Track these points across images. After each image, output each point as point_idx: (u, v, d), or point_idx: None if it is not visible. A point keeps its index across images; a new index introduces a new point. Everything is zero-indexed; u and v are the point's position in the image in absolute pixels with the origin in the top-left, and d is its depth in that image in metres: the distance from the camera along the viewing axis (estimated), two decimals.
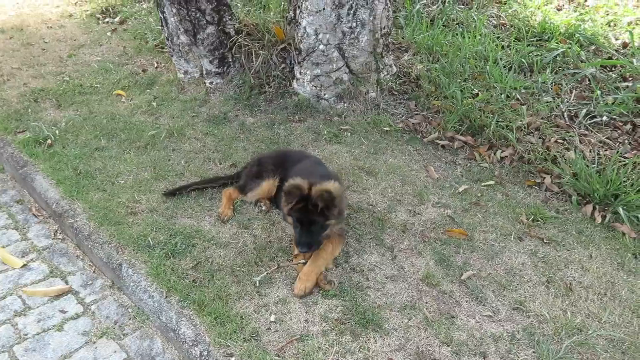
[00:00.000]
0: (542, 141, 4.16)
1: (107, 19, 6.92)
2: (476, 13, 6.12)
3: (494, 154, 4.14)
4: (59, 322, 2.83)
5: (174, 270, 2.87)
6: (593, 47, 5.44)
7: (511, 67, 5.05)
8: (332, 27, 4.43)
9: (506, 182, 3.87)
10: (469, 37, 5.49)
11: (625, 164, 3.74)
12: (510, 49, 5.39)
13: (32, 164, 3.85)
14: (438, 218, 3.40)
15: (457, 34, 5.64)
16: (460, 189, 3.72)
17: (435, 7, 6.37)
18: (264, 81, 4.91)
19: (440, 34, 5.60)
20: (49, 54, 5.84)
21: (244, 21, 5.11)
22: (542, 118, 4.38)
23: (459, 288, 2.86)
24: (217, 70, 5.00)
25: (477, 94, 4.63)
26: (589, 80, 4.85)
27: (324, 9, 4.36)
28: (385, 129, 4.46)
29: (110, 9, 7.10)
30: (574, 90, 4.77)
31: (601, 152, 3.98)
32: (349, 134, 4.38)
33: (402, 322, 2.63)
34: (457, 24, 6.03)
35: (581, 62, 5.11)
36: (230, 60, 5.02)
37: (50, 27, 6.69)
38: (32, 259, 3.27)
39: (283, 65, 4.90)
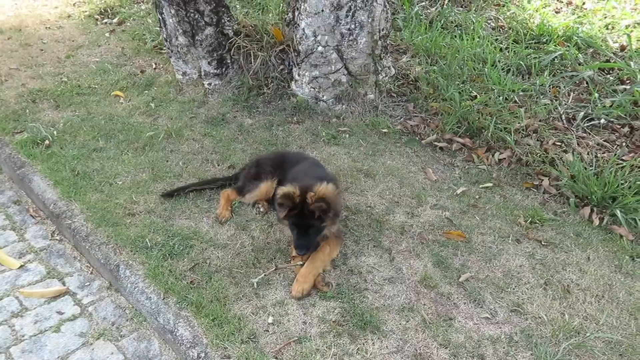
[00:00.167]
0: (540, 143, 4.17)
1: (105, 20, 6.91)
2: (474, 15, 6.13)
3: (492, 156, 4.14)
4: (56, 323, 2.82)
5: (172, 271, 2.87)
6: (591, 50, 5.45)
7: (509, 69, 5.06)
8: (331, 28, 4.43)
9: (504, 184, 3.88)
10: (467, 40, 5.50)
11: (622, 167, 3.75)
12: (508, 52, 5.40)
13: (30, 165, 3.84)
14: (436, 220, 3.40)
15: (455, 36, 5.66)
16: (458, 191, 3.73)
17: (433, 9, 6.38)
18: (263, 82, 4.91)
19: (439, 36, 5.61)
20: (47, 55, 5.83)
21: (242, 22, 5.11)
22: (540, 120, 4.39)
23: (456, 290, 2.86)
24: (215, 71, 5.00)
25: (476, 96, 4.63)
26: (587, 83, 4.86)
27: (322, 10, 4.37)
28: (384, 130, 4.46)
29: (109, 10, 7.10)
30: (571, 93, 4.78)
31: (599, 155, 3.99)
32: (347, 135, 4.39)
33: (400, 324, 2.63)
34: (456, 26, 6.04)
35: (579, 64, 5.13)
36: (229, 61, 5.02)
37: (49, 27, 6.68)
38: (29, 260, 3.26)
39: (281, 67, 4.90)
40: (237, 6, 6.08)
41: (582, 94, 4.78)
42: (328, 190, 2.78)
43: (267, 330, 2.56)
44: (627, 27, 5.93)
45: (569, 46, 5.43)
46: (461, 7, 6.60)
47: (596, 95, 4.61)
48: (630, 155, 3.96)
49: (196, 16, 4.77)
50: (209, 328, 2.54)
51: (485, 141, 4.27)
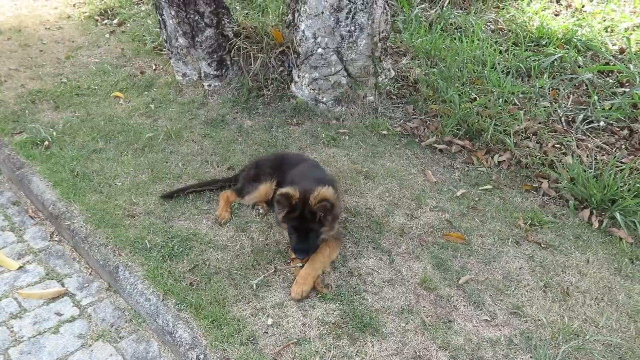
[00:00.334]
0: (540, 146, 4.17)
1: (105, 21, 6.91)
2: (474, 18, 6.14)
3: (492, 158, 4.14)
4: (55, 324, 2.82)
5: (171, 273, 2.86)
6: (590, 53, 5.46)
7: (509, 71, 5.07)
8: (331, 30, 4.44)
9: (504, 187, 3.88)
10: (467, 42, 5.51)
11: (622, 169, 3.75)
12: (508, 54, 5.41)
13: (29, 166, 3.84)
14: (436, 222, 3.40)
15: (455, 39, 5.66)
16: (458, 193, 3.73)
17: (433, 11, 6.39)
18: (262, 84, 4.91)
19: (439, 38, 5.61)
20: (46, 56, 5.83)
21: (242, 24, 5.11)
22: (539, 123, 4.39)
23: (456, 292, 2.86)
24: (215, 72, 5.00)
25: (475, 99, 4.64)
26: (586, 85, 4.87)
27: (322, 12, 4.37)
28: (383, 132, 4.47)
29: (109, 11, 7.10)
30: (571, 96, 4.79)
31: (598, 157, 3.99)
32: (347, 137, 4.39)
33: (400, 326, 2.63)
34: (455, 28, 6.05)
35: (578, 67, 5.13)
36: (229, 63, 5.02)
37: (48, 28, 6.68)
38: (28, 261, 3.26)
39: (281, 69, 4.91)
40: (237, 8, 6.08)
41: (581, 97, 4.78)
42: (328, 193, 2.78)
43: (267, 332, 2.56)
44: (626, 30, 5.95)
45: (568, 49, 5.44)
46: (461, 9, 6.61)
47: (595, 97, 4.62)
48: (630, 157, 3.96)
49: (196, 18, 4.77)
50: (208, 330, 2.54)
51: (484, 143, 4.27)
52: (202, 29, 4.83)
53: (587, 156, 4.02)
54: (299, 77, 4.76)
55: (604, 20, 6.24)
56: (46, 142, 4.06)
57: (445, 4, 6.48)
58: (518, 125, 4.31)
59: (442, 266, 3.03)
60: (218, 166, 3.91)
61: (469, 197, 3.71)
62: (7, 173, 4.04)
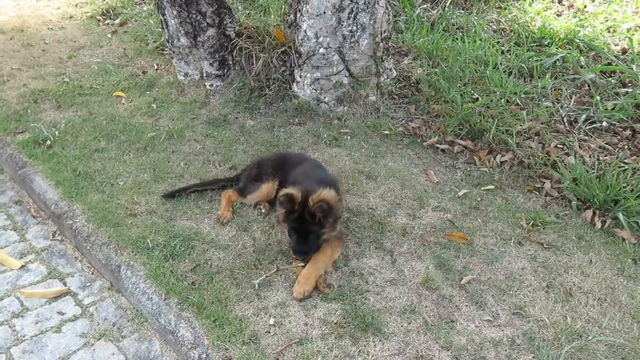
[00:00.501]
0: (542, 146, 4.16)
1: (107, 21, 6.92)
2: (476, 18, 6.13)
3: (494, 158, 4.14)
4: (57, 323, 2.82)
5: (173, 272, 2.86)
6: (592, 53, 5.46)
7: (511, 72, 5.06)
8: (333, 30, 4.44)
9: (506, 187, 3.87)
10: (469, 42, 5.51)
11: (625, 170, 3.74)
12: (510, 54, 5.40)
13: (31, 165, 3.84)
14: (438, 222, 3.40)
15: (457, 39, 5.66)
16: (460, 193, 3.72)
17: (435, 11, 6.39)
18: (264, 84, 4.91)
19: (441, 38, 5.61)
20: (49, 55, 5.84)
21: (244, 24, 5.11)
22: (541, 123, 4.39)
23: (458, 292, 2.85)
24: (217, 72, 5.00)
25: (477, 99, 4.63)
26: (589, 85, 4.86)
27: (324, 12, 4.37)
28: (385, 132, 4.46)
29: (111, 11, 7.11)
30: (573, 96, 4.78)
31: (601, 158, 3.98)
32: (348, 137, 4.38)
33: (402, 326, 2.62)
34: (457, 28, 6.05)
35: (581, 67, 5.13)
36: (231, 62, 5.02)
37: (51, 28, 6.69)
38: (30, 260, 3.26)
39: (283, 68, 4.91)
40: (239, 8, 6.09)
41: (584, 97, 4.77)
42: (329, 195, 2.78)
43: (269, 332, 2.55)
44: (628, 30, 5.94)
45: (570, 49, 5.43)
46: (463, 9, 6.61)
47: (598, 98, 4.61)
48: (633, 158, 3.95)
49: (198, 17, 4.77)
50: (210, 329, 2.54)
51: (487, 143, 4.26)
52: (204, 29, 4.83)
53: (590, 156, 4.01)
54: (300, 77, 4.76)
55: (606, 21, 6.23)
56: (48, 142, 4.06)
57: (447, 4, 6.47)
58: (520, 125, 4.30)
59: (445, 266, 3.02)
60: (220, 166, 3.91)
61: (471, 197, 3.71)
62: (10, 172, 4.05)
